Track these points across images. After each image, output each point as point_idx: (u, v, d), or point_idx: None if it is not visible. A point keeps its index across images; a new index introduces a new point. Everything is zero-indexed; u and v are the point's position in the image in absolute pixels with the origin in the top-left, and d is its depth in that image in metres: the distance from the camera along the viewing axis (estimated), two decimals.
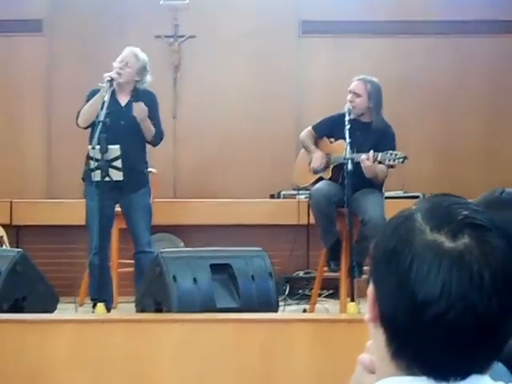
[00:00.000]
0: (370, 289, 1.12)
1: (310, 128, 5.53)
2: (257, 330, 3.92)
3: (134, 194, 5.23)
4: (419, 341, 1.05)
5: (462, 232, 1.05)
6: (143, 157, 5.37)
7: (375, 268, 1.12)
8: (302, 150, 5.60)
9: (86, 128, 5.23)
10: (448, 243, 1.04)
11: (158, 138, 5.34)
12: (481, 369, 1.07)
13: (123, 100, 5.30)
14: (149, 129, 5.23)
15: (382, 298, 1.09)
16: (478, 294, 1.02)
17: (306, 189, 5.78)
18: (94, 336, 3.84)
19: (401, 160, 5.00)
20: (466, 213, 1.07)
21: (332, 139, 5.40)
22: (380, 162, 5.01)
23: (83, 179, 5.34)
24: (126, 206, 5.27)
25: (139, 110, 5.14)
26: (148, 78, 5.34)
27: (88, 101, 5.22)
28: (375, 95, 5.29)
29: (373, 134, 5.20)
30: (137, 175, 5.25)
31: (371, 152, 4.96)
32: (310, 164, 5.46)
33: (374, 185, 5.20)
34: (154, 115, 5.30)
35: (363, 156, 4.97)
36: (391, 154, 5.00)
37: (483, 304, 1.02)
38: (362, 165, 4.96)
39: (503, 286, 1.03)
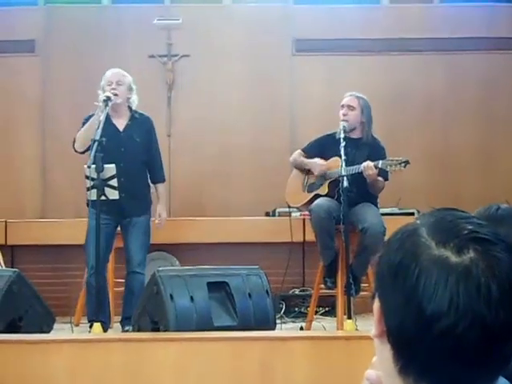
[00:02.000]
0: (376, 304, 1.13)
1: (299, 151, 5.60)
2: (255, 348, 3.91)
3: (137, 218, 5.27)
4: (427, 355, 1.05)
5: (467, 246, 1.05)
6: (146, 180, 5.41)
7: (380, 283, 1.12)
8: (293, 172, 5.62)
9: (83, 153, 5.20)
10: (454, 258, 1.05)
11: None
12: (487, 382, 1.07)
13: (120, 124, 5.32)
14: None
15: (389, 313, 1.09)
16: (486, 306, 1.03)
17: (298, 209, 5.80)
18: (92, 356, 3.82)
19: (403, 165, 5.01)
20: (470, 227, 1.08)
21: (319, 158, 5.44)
22: (381, 170, 5.03)
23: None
24: (125, 225, 5.29)
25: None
26: (135, 96, 5.36)
27: (85, 121, 5.23)
28: (367, 110, 5.37)
29: (364, 149, 5.24)
30: (141, 200, 5.31)
31: (367, 163, 4.99)
32: (303, 181, 5.49)
33: (371, 199, 5.23)
34: (154, 151, 5.42)
35: (364, 164, 5.00)
36: (392, 160, 5.03)
37: (491, 316, 1.03)
38: (366, 172, 4.99)
39: (510, 298, 1.04)
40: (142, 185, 5.36)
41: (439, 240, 1.07)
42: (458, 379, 1.05)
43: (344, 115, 5.28)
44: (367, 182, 5.10)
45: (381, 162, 5.03)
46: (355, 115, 5.29)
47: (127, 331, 5.00)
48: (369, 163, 5.00)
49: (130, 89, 5.32)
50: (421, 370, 1.07)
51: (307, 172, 5.51)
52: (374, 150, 5.23)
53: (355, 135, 5.31)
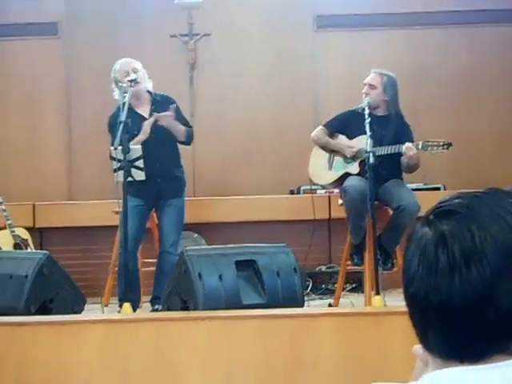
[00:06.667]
0: None
1: (321, 127, 5.50)
2: (284, 326, 3.92)
3: (172, 200, 5.31)
4: (425, 330, 1.08)
5: (438, 220, 1.07)
6: (178, 161, 5.45)
7: None
8: (314, 149, 5.54)
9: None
10: (429, 233, 1.07)
11: (190, 136, 5.41)
12: (502, 348, 1.04)
13: (144, 112, 5.34)
14: (180, 131, 5.30)
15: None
16: (436, 276, 1.04)
17: (324, 187, 5.75)
18: (123, 335, 3.86)
19: (445, 147, 4.96)
20: (445, 202, 1.09)
21: (344, 136, 5.37)
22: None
23: None
24: (161, 205, 5.35)
25: (165, 119, 5.19)
26: (149, 80, 5.37)
27: (110, 130, 5.20)
28: (391, 88, 5.27)
29: (390, 127, 5.18)
30: (174, 181, 5.35)
31: (409, 144, 4.94)
32: (329, 159, 5.43)
33: (400, 175, 5.22)
34: (179, 117, 5.36)
35: (407, 145, 4.93)
36: (433, 142, 4.98)
37: (445, 286, 1.03)
38: (409, 153, 4.92)
39: (464, 264, 1.02)
40: (176, 166, 5.41)
41: (425, 217, 1.10)
42: (454, 350, 1.05)
43: (366, 94, 5.23)
44: (403, 163, 5.06)
45: (421, 143, 4.96)
46: (377, 94, 5.22)
47: (157, 310, 5.04)
48: (409, 145, 4.93)
49: (144, 73, 5.33)
50: (427, 344, 1.08)
51: (332, 151, 5.45)
52: (401, 130, 5.18)
53: (380, 113, 5.26)
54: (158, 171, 5.18)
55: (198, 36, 7.29)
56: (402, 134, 5.12)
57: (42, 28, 7.23)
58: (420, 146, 4.97)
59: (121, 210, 4.84)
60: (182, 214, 5.37)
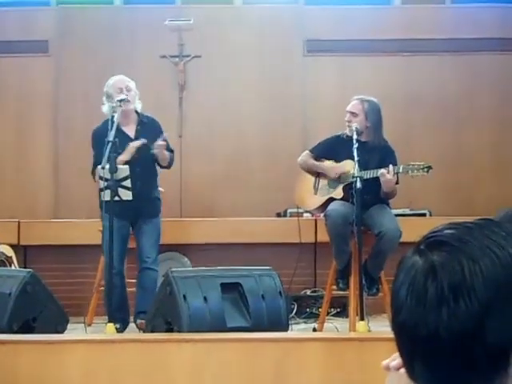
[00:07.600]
0: None
1: (307, 151, 5.53)
2: (268, 350, 3.91)
3: (150, 219, 5.35)
4: (411, 359, 1.07)
5: (429, 250, 1.06)
6: (156, 182, 5.49)
7: None
8: (302, 174, 5.57)
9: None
10: (419, 262, 1.06)
11: (171, 161, 5.46)
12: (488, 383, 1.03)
13: (130, 131, 5.36)
14: (166, 159, 5.35)
15: None
16: (424, 308, 1.02)
17: (310, 212, 5.76)
18: (107, 356, 3.84)
19: (425, 170, 4.98)
20: (436, 232, 1.08)
21: (330, 161, 5.39)
22: (397, 174, 5.01)
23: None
24: (139, 224, 5.37)
25: (160, 149, 5.21)
26: (139, 101, 5.40)
27: (94, 144, 5.25)
28: (373, 114, 5.25)
29: (375, 152, 5.20)
30: (153, 202, 5.40)
31: (390, 166, 4.97)
32: (314, 184, 5.45)
33: (384, 200, 5.22)
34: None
35: (382, 170, 4.96)
36: (413, 165, 5.00)
37: (432, 317, 1.02)
38: (382, 179, 4.95)
39: (452, 298, 1.01)
40: (155, 186, 5.46)
41: (416, 246, 1.09)
42: (439, 382, 1.04)
43: (348, 122, 5.25)
44: (381, 188, 5.07)
45: (402, 166, 4.99)
46: (359, 121, 5.20)
47: (142, 321, 5.02)
48: (388, 169, 4.94)
49: (136, 93, 5.36)
50: (412, 373, 1.07)
51: (318, 175, 5.47)
52: (386, 156, 5.19)
53: (364, 138, 5.25)
54: (139, 192, 5.15)
55: (189, 57, 7.31)
56: (387, 159, 5.14)
57: (33, 45, 7.24)
58: (401, 169, 5.00)
59: (104, 226, 4.86)
60: (160, 232, 5.42)
